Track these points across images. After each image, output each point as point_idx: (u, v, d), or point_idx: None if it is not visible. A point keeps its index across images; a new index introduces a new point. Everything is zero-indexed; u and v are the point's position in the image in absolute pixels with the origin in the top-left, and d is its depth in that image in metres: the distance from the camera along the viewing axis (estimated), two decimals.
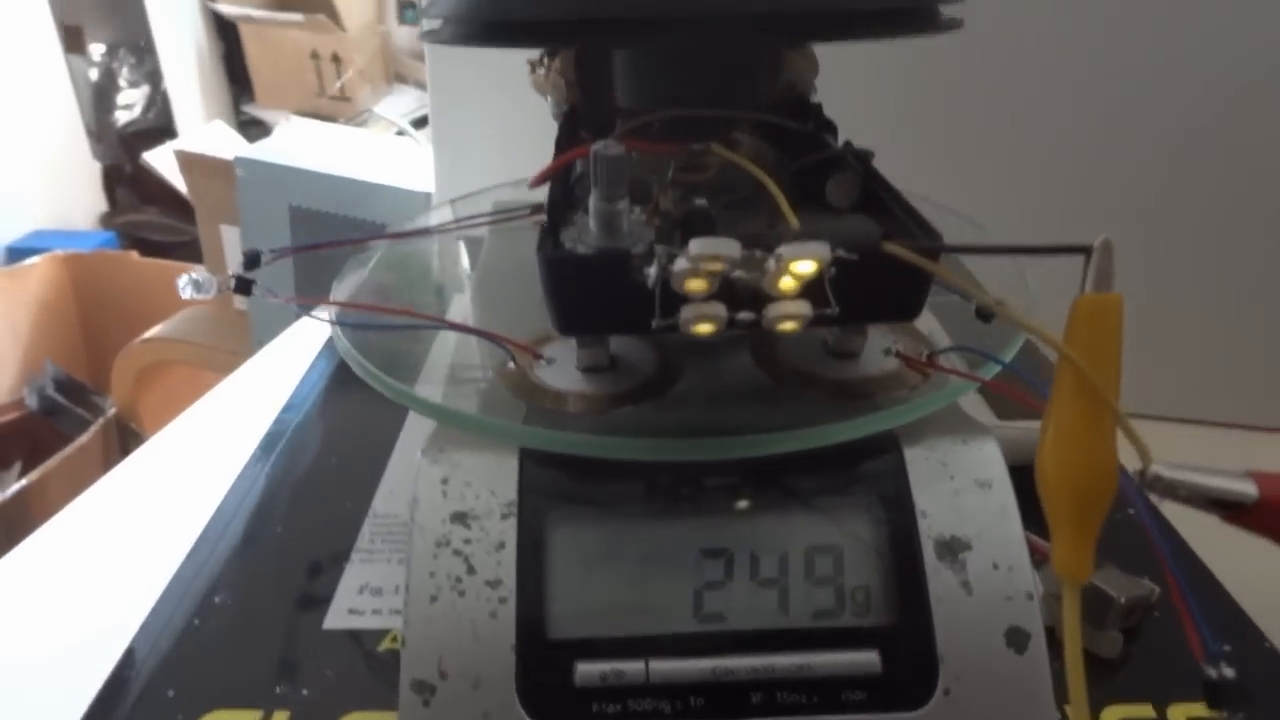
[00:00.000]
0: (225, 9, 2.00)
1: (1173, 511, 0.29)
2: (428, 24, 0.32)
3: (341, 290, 0.34)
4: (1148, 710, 0.25)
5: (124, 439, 1.17)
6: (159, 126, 2.07)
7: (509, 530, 0.24)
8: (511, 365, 0.27)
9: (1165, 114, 0.48)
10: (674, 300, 0.21)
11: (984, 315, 0.26)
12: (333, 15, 1.94)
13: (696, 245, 0.20)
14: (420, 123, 1.83)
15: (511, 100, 0.59)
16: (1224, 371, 0.52)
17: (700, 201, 0.25)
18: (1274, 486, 0.17)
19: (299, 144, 0.94)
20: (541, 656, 0.23)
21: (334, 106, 1.95)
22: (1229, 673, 0.17)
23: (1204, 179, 0.49)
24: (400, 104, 2.00)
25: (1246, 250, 0.50)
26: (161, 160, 1.47)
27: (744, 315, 0.22)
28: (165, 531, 0.42)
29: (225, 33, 2.10)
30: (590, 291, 0.23)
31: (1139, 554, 0.27)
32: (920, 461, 0.24)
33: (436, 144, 0.64)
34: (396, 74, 2.11)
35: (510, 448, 0.25)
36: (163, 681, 0.26)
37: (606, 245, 0.23)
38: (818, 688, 0.22)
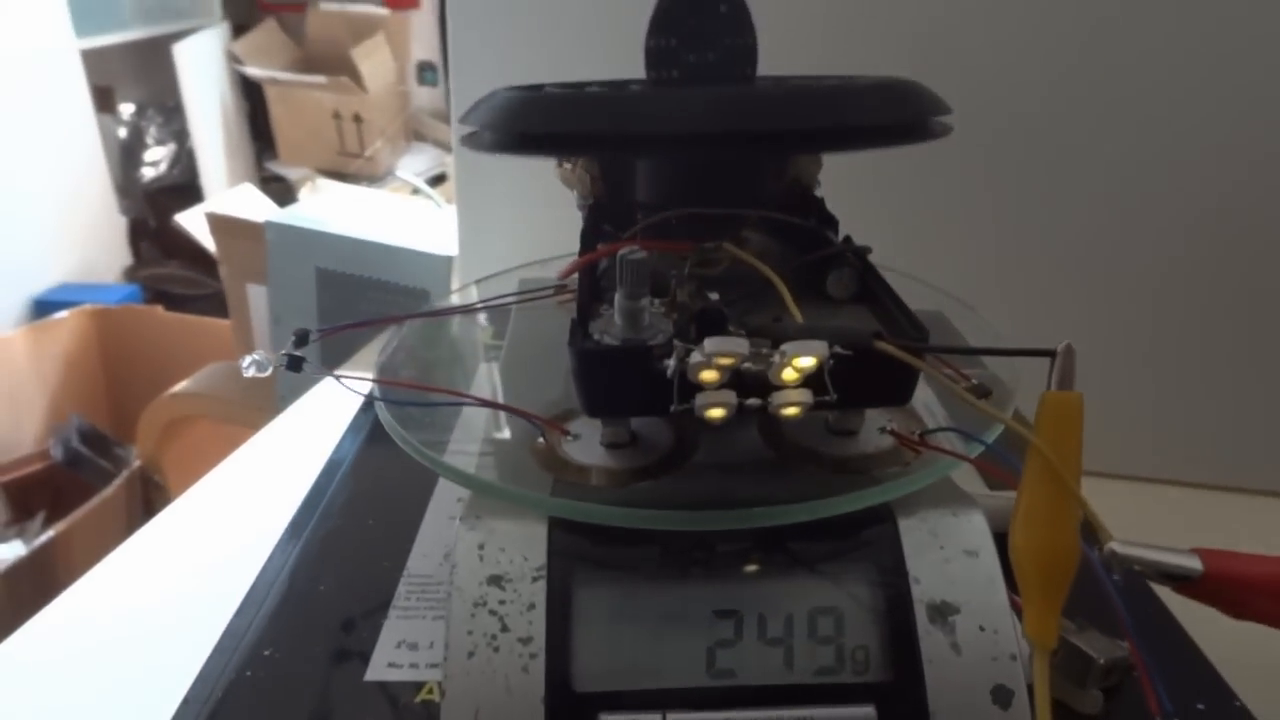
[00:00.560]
0: (252, 71, 2.07)
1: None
2: (465, 128, 0.35)
3: (381, 362, 0.37)
4: None
5: (147, 491, 1.20)
6: (184, 183, 2.13)
7: (539, 592, 0.26)
8: (540, 440, 0.30)
9: (1150, 208, 0.51)
10: (690, 388, 0.24)
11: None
12: (355, 77, 2.00)
13: (711, 344, 0.23)
14: (437, 180, 1.89)
15: (530, 177, 0.63)
16: (1201, 433, 0.54)
17: (713, 297, 0.28)
18: (1217, 563, 0.20)
19: (325, 208, 0.98)
20: (569, 708, 0.25)
21: (355, 164, 2.01)
22: None
23: (1181, 262, 0.52)
24: (419, 162, 2.06)
25: (1212, 322, 0.52)
26: (192, 221, 1.51)
27: (752, 401, 0.24)
28: (199, 588, 0.44)
29: (250, 93, 2.18)
30: (615, 379, 0.26)
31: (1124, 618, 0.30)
32: (913, 532, 0.27)
33: (461, 216, 0.68)
34: (416, 132, 2.18)
35: (540, 517, 0.27)
36: None
37: (630, 337, 0.26)
38: None
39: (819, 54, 0.49)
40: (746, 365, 0.24)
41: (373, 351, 0.80)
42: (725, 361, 0.23)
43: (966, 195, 0.53)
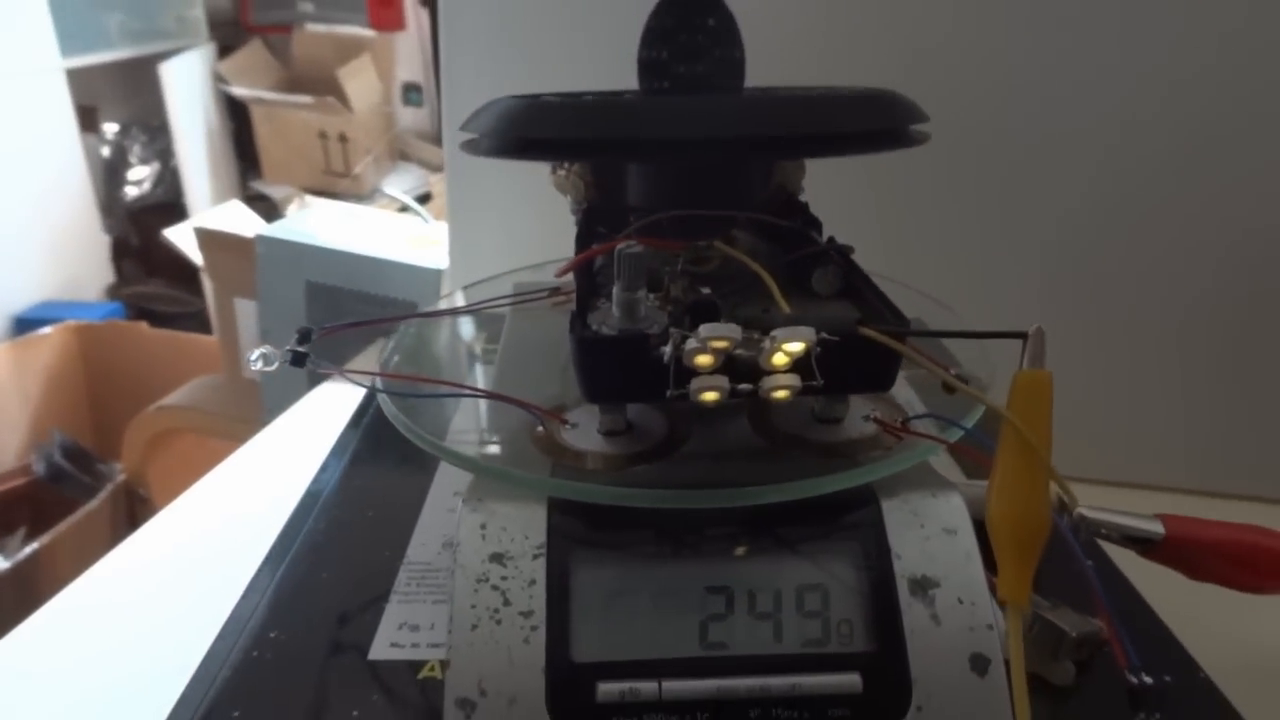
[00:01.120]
0: (238, 91, 2.08)
1: (1125, 561, 0.33)
2: (464, 135, 0.37)
3: (385, 360, 0.38)
4: None
5: (132, 505, 1.20)
6: (168, 202, 2.14)
7: (539, 569, 0.28)
8: (540, 429, 0.31)
9: (1126, 214, 0.54)
10: (685, 374, 0.26)
11: (948, 388, 0.31)
12: (341, 97, 2.02)
13: (706, 329, 0.24)
14: (423, 199, 1.90)
15: (521, 188, 0.65)
16: (1172, 437, 0.56)
17: (706, 291, 0.29)
18: (1178, 527, 0.21)
19: (315, 222, 0.99)
20: (568, 677, 0.26)
21: (340, 184, 2.02)
22: (1148, 680, 0.21)
23: (1157, 266, 0.54)
24: (404, 181, 2.08)
25: (1188, 327, 0.55)
26: (180, 236, 1.52)
27: (744, 386, 0.26)
28: (184, 598, 0.45)
29: (236, 113, 2.19)
30: (614, 366, 0.27)
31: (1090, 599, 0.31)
32: (895, 511, 0.28)
33: (452, 226, 0.69)
34: (401, 153, 2.19)
35: (539, 498, 0.29)
36: (229, 704, 0.29)
37: (627, 328, 0.27)
38: (808, 705, 0.26)
39: (801, 67, 0.51)
40: (739, 351, 0.25)
41: (363, 363, 0.81)
42: (719, 345, 0.24)
43: (946, 201, 0.56)
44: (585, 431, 0.31)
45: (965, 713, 0.26)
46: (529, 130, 0.30)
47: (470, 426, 0.34)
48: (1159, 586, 0.31)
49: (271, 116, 2.08)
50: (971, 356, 0.34)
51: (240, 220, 1.16)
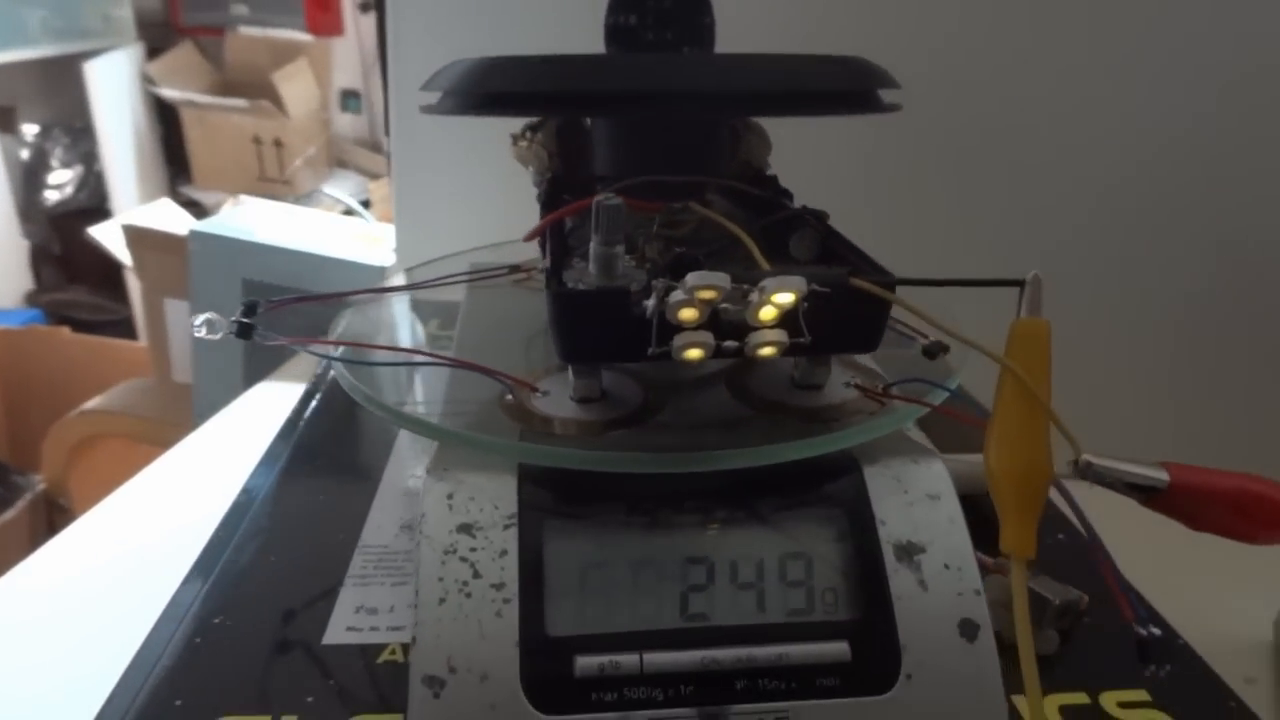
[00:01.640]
0: (167, 93, 2.02)
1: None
2: (426, 99, 0.35)
3: (335, 336, 0.36)
4: (1083, 698, 0.28)
5: (51, 516, 1.14)
6: (91, 207, 2.06)
7: (511, 539, 0.26)
8: (510, 397, 0.30)
9: (1106, 199, 0.54)
10: (668, 330, 0.25)
11: (930, 353, 0.30)
12: (276, 101, 1.97)
13: (693, 278, 0.23)
14: (362, 205, 1.86)
15: (471, 172, 0.63)
16: (1148, 425, 0.57)
17: (682, 250, 0.28)
18: (1183, 475, 0.21)
19: (251, 219, 0.96)
20: (543, 651, 0.25)
21: (275, 189, 1.97)
22: (1155, 631, 0.20)
23: (1131, 249, 0.55)
24: (342, 189, 2.03)
25: (1163, 315, 0.55)
26: (106, 235, 1.46)
27: (729, 344, 0.25)
28: (107, 605, 0.41)
29: (165, 116, 2.12)
30: (593, 324, 0.26)
31: (1070, 570, 0.31)
32: (878, 478, 0.28)
33: (398, 217, 0.67)
34: (339, 160, 2.15)
35: (509, 466, 0.27)
36: (169, 693, 0.27)
37: (605, 284, 0.26)
38: (795, 675, 0.25)
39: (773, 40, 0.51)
40: (724, 305, 0.24)
41: (301, 364, 0.78)
42: (707, 296, 0.23)
43: (920, 179, 0.55)
44: (557, 399, 0.29)
45: (955, 679, 0.25)
46: (497, 84, 0.29)
47: (432, 398, 0.32)
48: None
49: (203, 120, 2.02)
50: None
51: (171, 218, 1.12)
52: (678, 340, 0.25)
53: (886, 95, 0.32)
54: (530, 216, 0.34)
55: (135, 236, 1.02)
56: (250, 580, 0.33)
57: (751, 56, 0.30)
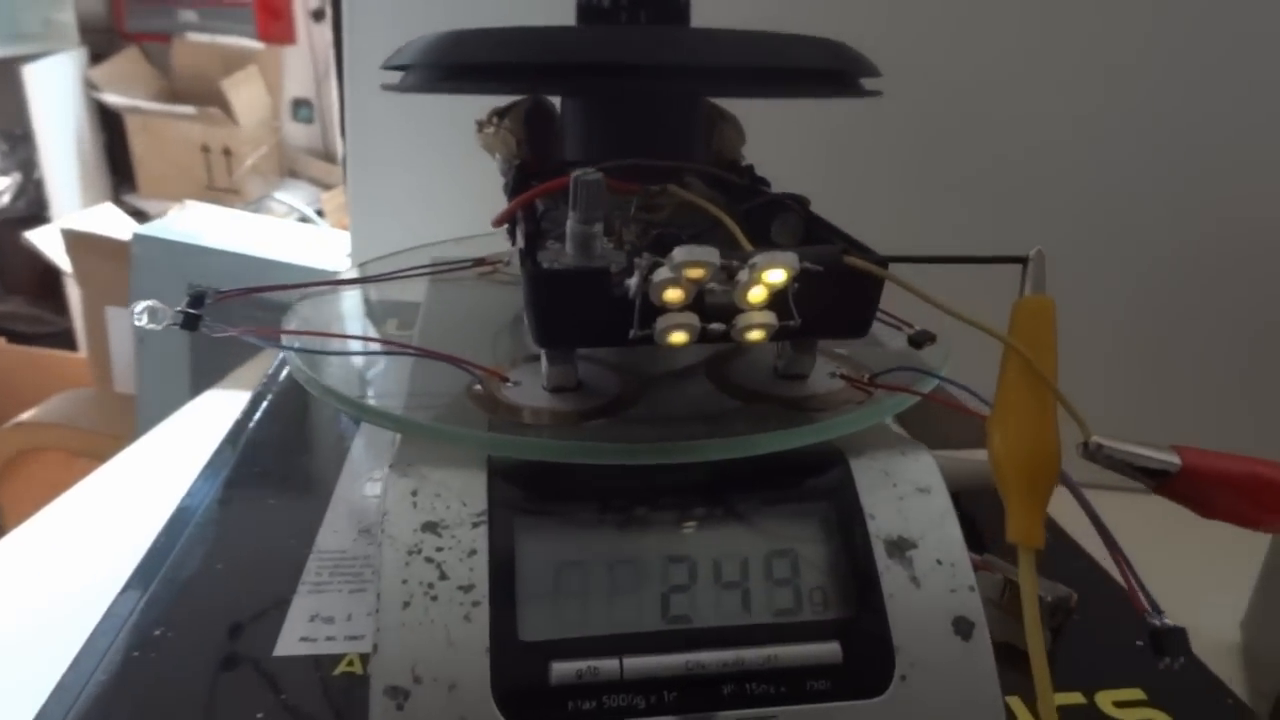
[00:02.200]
0: (111, 99, 1.96)
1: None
2: (387, 80, 0.34)
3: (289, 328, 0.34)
4: (1078, 698, 0.27)
5: None
6: (30, 215, 1.99)
7: (480, 538, 0.24)
8: (478, 387, 0.28)
9: (1091, 194, 0.54)
10: (651, 312, 0.23)
11: (917, 342, 0.29)
12: (225, 109, 1.93)
13: (680, 253, 0.22)
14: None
15: (429, 172, 0.61)
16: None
17: (662, 230, 0.27)
18: (1195, 459, 0.20)
19: (197, 223, 0.93)
20: (516, 658, 0.23)
21: (224, 199, 1.92)
22: (1171, 623, 0.19)
23: (1115, 243, 0.54)
24: (294, 199, 1.99)
25: (1144, 310, 0.55)
26: (44, 240, 1.41)
27: (715, 326, 0.23)
28: (36, 621, 0.39)
29: (109, 123, 2.06)
30: (571, 305, 0.24)
31: (1057, 568, 0.30)
32: (866, 470, 0.26)
33: (354, 215, 0.65)
34: (290, 170, 2.11)
35: (478, 460, 0.25)
36: (102, 713, 0.25)
37: (584, 263, 0.25)
38: (784, 678, 0.23)
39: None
40: (711, 286, 0.23)
41: (253, 371, 0.75)
42: (694, 274, 0.22)
43: (897, 170, 0.55)
44: (529, 389, 0.28)
45: (951, 680, 0.24)
46: (466, 55, 0.27)
47: (394, 391, 0.30)
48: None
49: (148, 127, 1.97)
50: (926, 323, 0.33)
51: (112, 222, 1.08)
52: (661, 323, 0.23)
53: (866, 83, 0.32)
54: (493, 214, 0.32)
55: (75, 241, 0.98)
56: (195, 588, 0.30)
57: (736, 31, 0.29)
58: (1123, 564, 0.20)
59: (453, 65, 0.28)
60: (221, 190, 1.96)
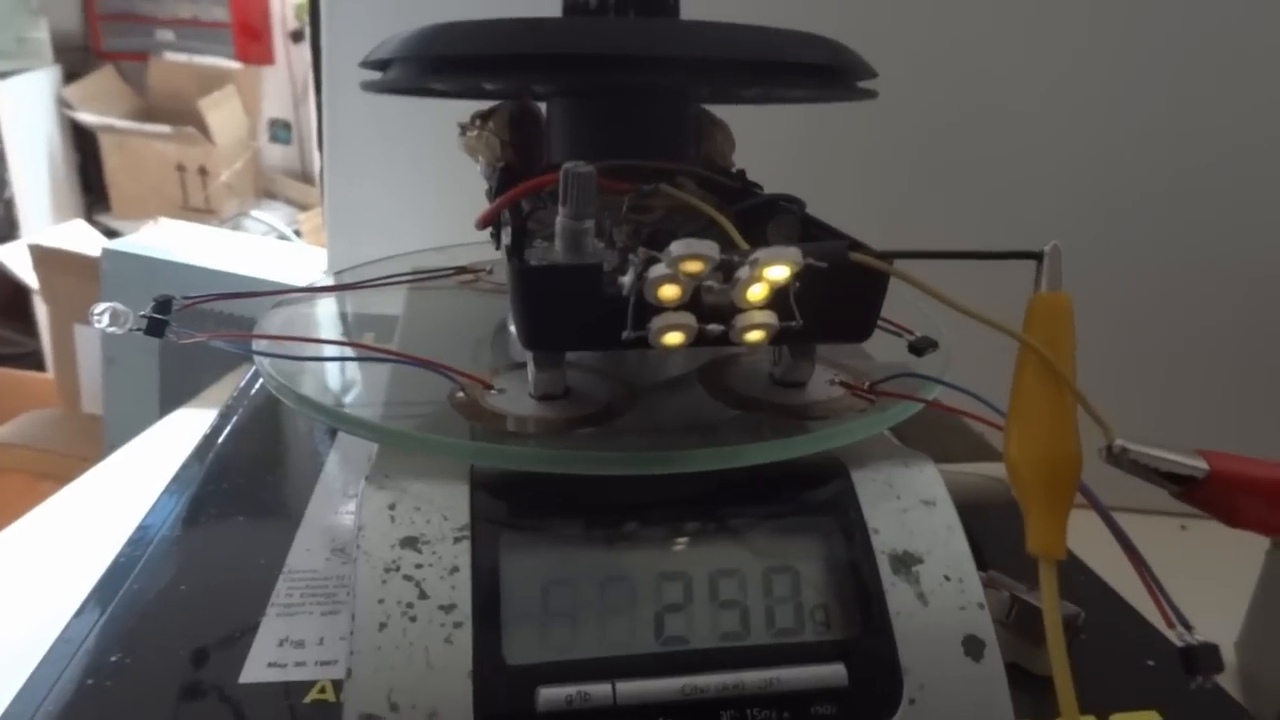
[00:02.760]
0: (85, 118, 1.94)
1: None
2: (366, 78, 0.32)
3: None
4: None
5: None
6: (0, 235, 1.95)
7: (462, 553, 0.23)
8: (461, 394, 0.26)
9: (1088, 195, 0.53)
10: (646, 313, 0.22)
11: (918, 349, 0.28)
12: (202, 128, 1.91)
13: (678, 246, 0.20)
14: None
15: (408, 182, 0.60)
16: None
17: (656, 228, 0.26)
18: (1224, 464, 0.19)
19: (169, 240, 0.91)
20: (501, 683, 0.21)
21: (199, 219, 1.89)
22: (1201, 639, 0.18)
23: (1114, 247, 0.54)
24: (271, 220, 1.97)
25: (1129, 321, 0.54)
26: (12, 257, 1.38)
27: (713, 327, 0.22)
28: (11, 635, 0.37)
29: (83, 143, 2.03)
30: (561, 304, 0.23)
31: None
32: (868, 483, 0.25)
33: (330, 227, 0.63)
34: (267, 190, 2.08)
35: (460, 472, 0.24)
36: None
37: (575, 260, 0.23)
38: (787, 703, 0.22)
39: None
40: (709, 284, 0.22)
41: (223, 389, 0.73)
42: (692, 268, 0.21)
43: (891, 175, 0.54)
44: (515, 397, 0.26)
45: (962, 703, 0.23)
46: (450, 47, 0.26)
47: (371, 400, 0.29)
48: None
49: (123, 146, 1.94)
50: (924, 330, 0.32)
51: (82, 239, 1.05)
52: (656, 323, 0.22)
53: (862, 84, 0.31)
54: (473, 223, 0.31)
55: (43, 257, 0.96)
56: (156, 611, 0.28)
57: (728, 24, 0.28)
58: (1148, 579, 0.18)
59: (437, 58, 0.27)
60: (197, 210, 1.94)
